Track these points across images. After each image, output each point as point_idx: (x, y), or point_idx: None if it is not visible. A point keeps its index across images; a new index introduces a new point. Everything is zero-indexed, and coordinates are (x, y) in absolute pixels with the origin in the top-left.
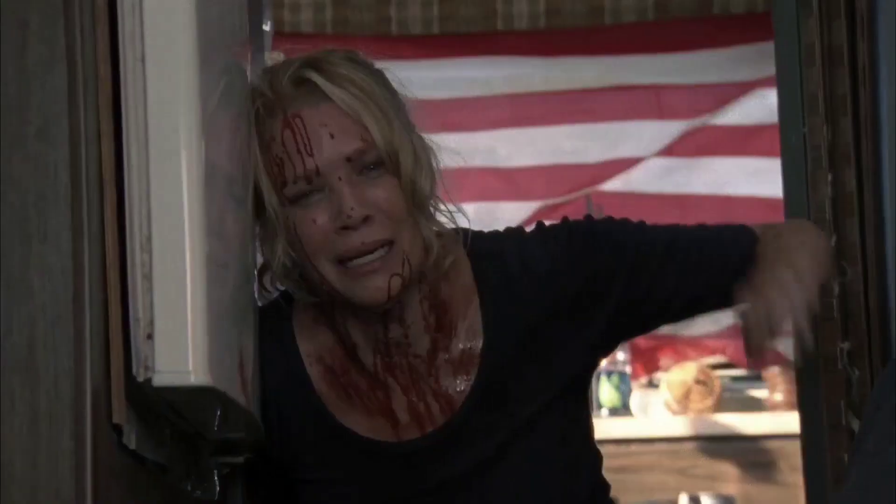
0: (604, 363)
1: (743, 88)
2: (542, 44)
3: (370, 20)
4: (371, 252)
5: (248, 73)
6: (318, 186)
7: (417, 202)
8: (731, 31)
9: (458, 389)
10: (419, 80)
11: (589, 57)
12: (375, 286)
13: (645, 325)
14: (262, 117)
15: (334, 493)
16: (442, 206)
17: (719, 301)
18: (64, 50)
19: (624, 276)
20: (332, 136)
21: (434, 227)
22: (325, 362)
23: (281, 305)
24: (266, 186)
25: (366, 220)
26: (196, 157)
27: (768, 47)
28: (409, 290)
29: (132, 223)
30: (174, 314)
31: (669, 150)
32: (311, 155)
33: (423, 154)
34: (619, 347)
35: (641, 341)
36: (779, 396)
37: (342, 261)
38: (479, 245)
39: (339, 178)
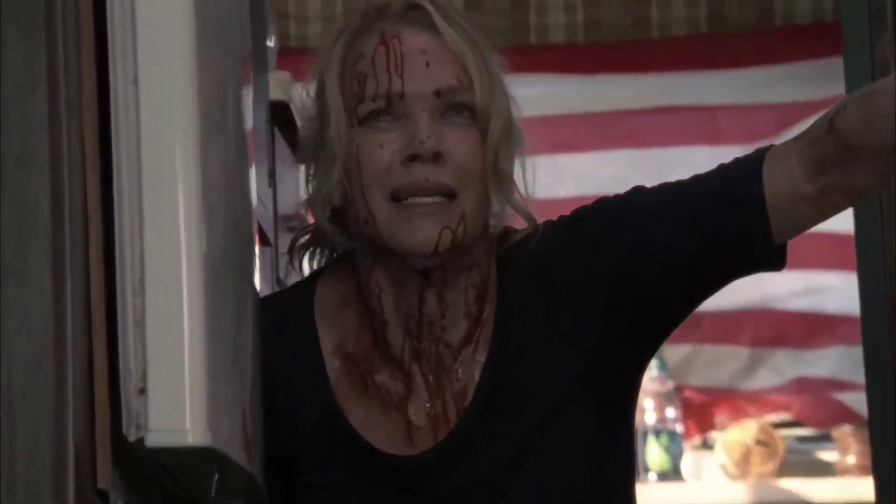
0: (651, 420)
1: (808, 109)
2: (579, 59)
3: None
4: (430, 196)
5: (251, 93)
6: (396, 113)
7: (495, 174)
8: (795, 45)
9: (472, 391)
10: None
11: (632, 74)
12: (425, 232)
13: (656, 303)
14: (354, 35)
15: (330, 500)
16: (520, 193)
17: (745, 244)
18: (45, 68)
19: (605, 244)
20: (427, 65)
21: (506, 201)
22: (345, 350)
23: (305, 288)
24: (335, 106)
25: (437, 157)
26: (195, 188)
27: (836, 63)
28: (456, 267)
29: (122, 262)
30: (170, 366)
31: None
32: (401, 77)
33: (515, 136)
34: (668, 403)
35: (694, 396)
36: (851, 459)
37: (397, 197)
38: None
39: (422, 109)
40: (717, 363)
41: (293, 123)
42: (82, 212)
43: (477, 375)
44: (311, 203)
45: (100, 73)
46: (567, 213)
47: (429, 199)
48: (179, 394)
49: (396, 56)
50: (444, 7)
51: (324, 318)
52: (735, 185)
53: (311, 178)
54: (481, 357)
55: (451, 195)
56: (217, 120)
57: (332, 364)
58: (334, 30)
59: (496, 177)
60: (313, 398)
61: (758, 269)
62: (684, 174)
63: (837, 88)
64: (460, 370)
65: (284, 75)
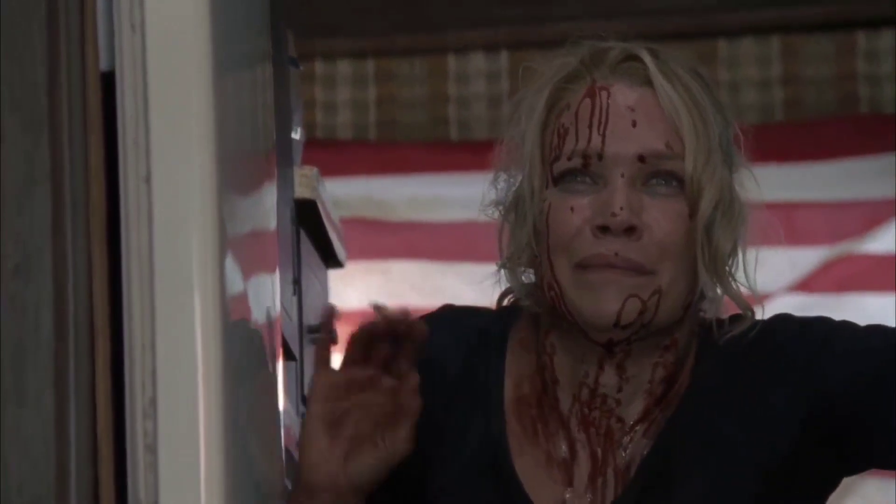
0: None
1: None
2: None
3: (424, 122)
4: (619, 273)
5: (275, 191)
6: (593, 175)
7: (708, 254)
8: (882, 135)
9: (635, 468)
10: (477, 197)
11: None
12: (606, 301)
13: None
14: (563, 81)
15: None
16: (736, 278)
17: None
18: (48, 167)
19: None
20: (633, 125)
21: (718, 287)
22: (522, 389)
23: (505, 315)
24: (532, 159)
25: (630, 231)
26: (214, 300)
27: None
28: (648, 344)
29: (132, 382)
30: (185, 499)
31: (805, 285)
32: (602, 135)
33: (735, 206)
34: None
35: None
36: None
37: (583, 266)
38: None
39: (622, 175)
40: None
41: (321, 223)
42: (88, 325)
43: (642, 453)
44: (504, 263)
45: (110, 172)
46: None
47: (616, 269)
48: None
49: (602, 112)
50: (668, 61)
51: (516, 351)
52: None
53: (501, 237)
54: (651, 437)
55: (642, 272)
56: (237, 221)
57: (509, 394)
58: (547, 67)
59: (708, 258)
60: (482, 423)
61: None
62: (760, 277)
63: None
64: (628, 448)
65: (311, 171)
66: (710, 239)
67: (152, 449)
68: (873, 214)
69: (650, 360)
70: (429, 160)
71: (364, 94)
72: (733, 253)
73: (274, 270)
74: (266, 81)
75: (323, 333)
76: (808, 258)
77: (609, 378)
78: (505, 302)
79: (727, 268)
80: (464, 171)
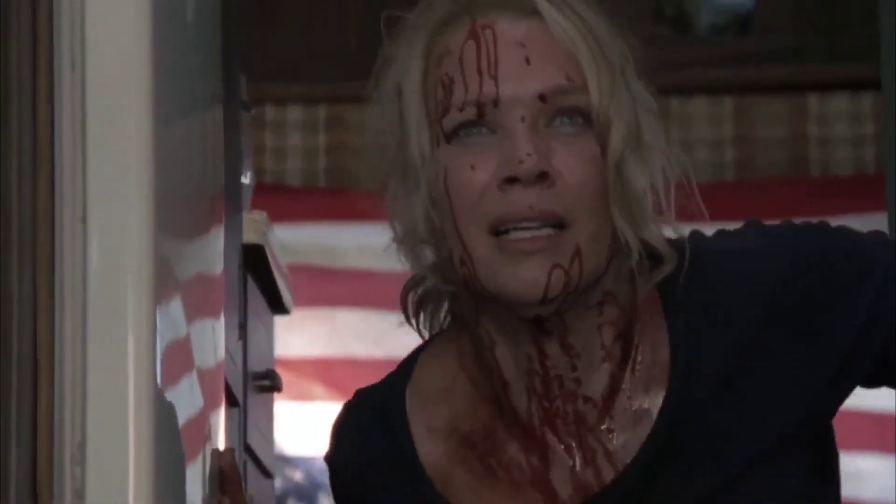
0: None
1: None
2: None
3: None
4: (535, 227)
5: (222, 235)
6: (490, 124)
7: (621, 192)
8: (832, 198)
9: (638, 446)
10: None
11: None
12: (531, 274)
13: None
14: (438, 26)
15: None
16: (655, 218)
17: None
18: None
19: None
20: (527, 62)
21: (637, 234)
22: (460, 432)
23: (397, 378)
24: (416, 118)
25: (542, 177)
26: (147, 342)
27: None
28: (578, 308)
29: (62, 427)
30: None
31: None
32: (494, 78)
33: (648, 135)
34: None
35: None
36: None
37: (497, 231)
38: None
39: (522, 119)
40: None
41: (268, 269)
42: (31, 367)
43: (644, 427)
44: (397, 243)
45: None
46: None
47: (534, 233)
48: None
49: (490, 53)
50: None
51: (427, 401)
52: None
53: (392, 210)
54: (645, 404)
55: (560, 224)
56: (181, 264)
57: (439, 453)
58: (418, 11)
59: (621, 198)
60: None
61: None
62: None
63: None
64: (615, 426)
65: (260, 216)
66: (622, 177)
67: (80, 495)
68: None
69: (592, 323)
70: (378, 208)
71: (314, 140)
72: (647, 192)
73: (219, 315)
74: (216, 125)
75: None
76: None
77: (556, 358)
78: (414, 293)
79: (641, 208)
80: None
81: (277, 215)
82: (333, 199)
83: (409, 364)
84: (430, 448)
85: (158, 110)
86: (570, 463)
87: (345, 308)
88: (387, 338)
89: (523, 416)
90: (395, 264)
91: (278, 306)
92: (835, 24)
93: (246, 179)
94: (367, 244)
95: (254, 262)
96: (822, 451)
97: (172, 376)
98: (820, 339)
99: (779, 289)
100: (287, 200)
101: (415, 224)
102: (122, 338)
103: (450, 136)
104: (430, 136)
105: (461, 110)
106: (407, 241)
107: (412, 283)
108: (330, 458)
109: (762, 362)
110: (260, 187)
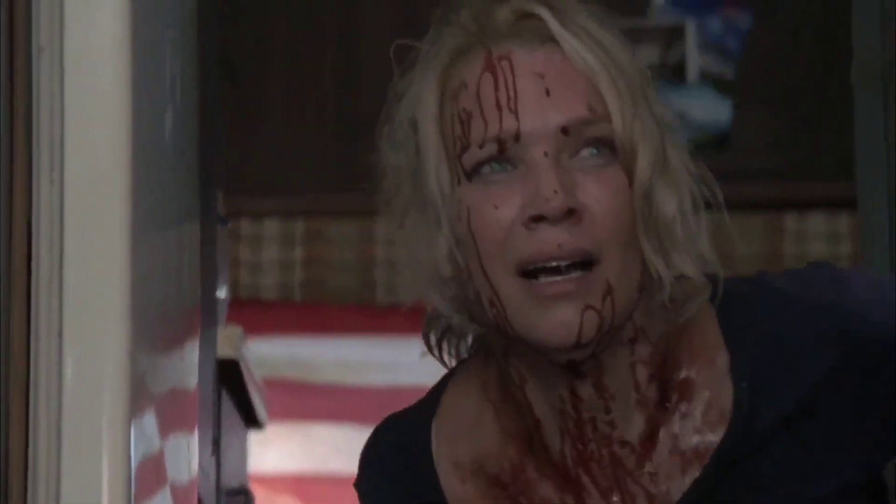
0: None
1: None
2: None
3: (351, 284)
4: (564, 268)
5: (197, 350)
6: (512, 159)
7: (650, 221)
8: None
9: (683, 490)
10: (412, 364)
11: None
12: (562, 318)
13: None
14: (453, 57)
15: None
16: (687, 246)
17: None
18: None
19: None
20: (547, 93)
21: (668, 265)
22: (488, 471)
23: (423, 409)
24: (434, 153)
25: (570, 214)
26: (122, 463)
27: None
28: (612, 346)
29: None
30: None
31: None
32: (514, 112)
33: (674, 158)
34: None
35: None
36: None
37: (526, 272)
38: (726, 288)
39: (545, 154)
40: None
41: (243, 384)
42: (3, 483)
43: (693, 469)
44: (416, 283)
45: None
46: None
47: (564, 276)
48: None
49: (508, 86)
50: (564, 10)
51: (454, 437)
52: None
53: (413, 246)
54: (695, 445)
55: (589, 261)
56: (156, 379)
57: (464, 494)
58: (430, 39)
59: (650, 227)
60: None
61: None
62: None
63: None
64: (658, 469)
65: (235, 330)
66: (651, 205)
67: None
68: None
69: (625, 361)
70: (355, 323)
71: (291, 254)
72: (677, 218)
73: (193, 430)
74: (193, 239)
75: None
76: None
77: (590, 401)
78: (437, 329)
79: (672, 235)
80: (390, 335)
81: (253, 328)
82: (309, 313)
83: (436, 394)
84: (455, 485)
85: (135, 226)
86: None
87: (320, 423)
88: None
89: (556, 455)
90: (371, 379)
91: (252, 421)
92: (811, 142)
93: (222, 294)
94: (343, 358)
95: (228, 376)
96: (878, 499)
97: (146, 492)
98: (879, 402)
99: (848, 354)
100: (263, 314)
101: (438, 264)
102: (97, 453)
103: (471, 175)
104: (450, 172)
105: (481, 147)
106: (425, 280)
107: (433, 318)
108: (358, 486)
109: (825, 414)
110: (235, 301)
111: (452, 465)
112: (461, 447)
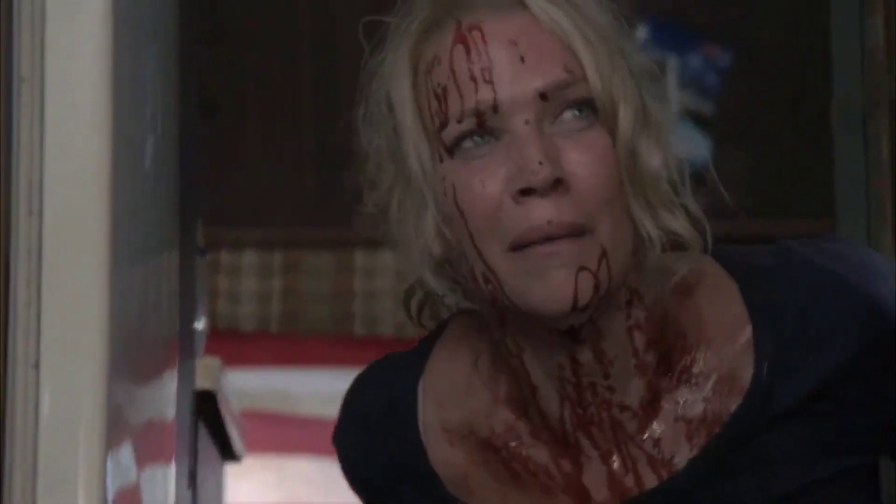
0: None
1: None
2: None
3: (329, 315)
4: (558, 238)
5: (175, 381)
6: (493, 131)
7: (636, 179)
8: None
9: (689, 456)
10: None
11: None
12: (558, 283)
13: None
14: (422, 31)
15: None
16: (674, 200)
17: None
18: None
19: None
20: (522, 60)
21: (657, 224)
22: (478, 434)
23: (408, 368)
24: (412, 131)
25: (557, 184)
26: (97, 493)
27: None
28: (608, 310)
29: None
30: None
31: None
32: (490, 82)
33: (655, 111)
34: None
35: None
36: None
37: (517, 246)
38: (737, 259)
39: (526, 122)
40: None
41: (220, 416)
42: None
43: (700, 437)
44: (405, 261)
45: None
46: None
47: (555, 244)
48: None
49: (481, 56)
50: None
51: (441, 401)
52: None
53: (400, 226)
54: (703, 414)
55: (581, 232)
56: (133, 411)
57: (453, 457)
58: (399, 14)
59: (637, 185)
60: None
61: None
62: None
63: None
64: (661, 436)
65: (214, 361)
66: (636, 162)
67: None
68: None
69: (622, 325)
70: (333, 354)
71: (269, 284)
72: (663, 172)
73: (169, 462)
74: (171, 270)
75: None
76: None
77: (589, 366)
78: (416, 299)
79: (658, 190)
80: None
81: (230, 360)
82: (287, 344)
83: (423, 353)
84: (444, 448)
85: (114, 255)
86: (606, 468)
87: (296, 455)
88: (338, 486)
89: (554, 420)
90: None
91: (229, 454)
92: (791, 180)
93: (200, 325)
94: (321, 390)
95: (206, 408)
96: (874, 480)
97: None
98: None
99: (871, 343)
100: (241, 345)
101: (427, 242)
102: (73, 485)
103: (452, 150)
104: (430, 149)
105: (459, 121)
106: (414, 258)
107: (412, 291)
108: (337, 441)
109: (841, 399)
110: (213, 332)
111: (440, 428)
112: (450, 410)
